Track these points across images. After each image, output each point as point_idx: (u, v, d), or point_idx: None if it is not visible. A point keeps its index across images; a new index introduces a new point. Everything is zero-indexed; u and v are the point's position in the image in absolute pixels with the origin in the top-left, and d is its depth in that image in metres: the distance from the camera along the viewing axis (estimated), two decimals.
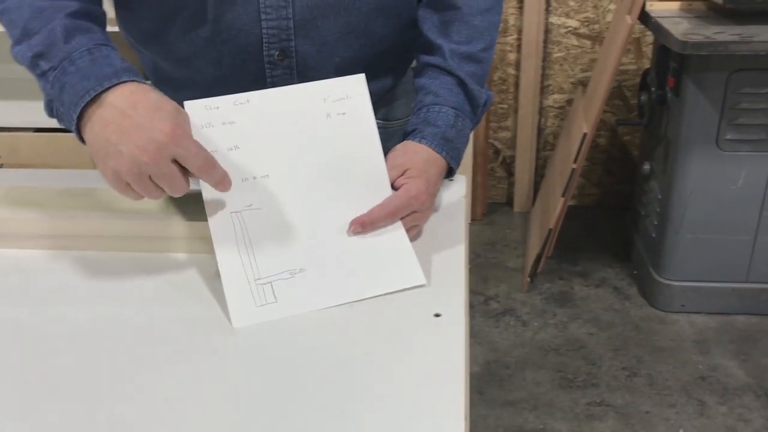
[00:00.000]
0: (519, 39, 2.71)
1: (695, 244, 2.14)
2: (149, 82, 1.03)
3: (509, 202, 2.99)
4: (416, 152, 0.89)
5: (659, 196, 2.20)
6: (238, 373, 0.66)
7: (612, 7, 2.64)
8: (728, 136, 2.01)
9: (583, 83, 2.74)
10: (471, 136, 0.98)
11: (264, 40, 0.90)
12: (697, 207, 2.09)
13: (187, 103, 0.80)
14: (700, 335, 2.14)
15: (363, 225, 0.80)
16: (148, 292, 0.78)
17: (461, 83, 0.93)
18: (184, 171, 0.74)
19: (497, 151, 2.93)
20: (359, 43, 0.94)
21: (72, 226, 0.85)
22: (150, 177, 0.73)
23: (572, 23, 2.69)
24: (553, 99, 2.82)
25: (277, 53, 0.91)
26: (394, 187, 0.84)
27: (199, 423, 0.60)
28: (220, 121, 0.80)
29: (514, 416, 1.86)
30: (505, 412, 1.88)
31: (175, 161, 0.73)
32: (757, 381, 1.95)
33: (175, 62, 0.96)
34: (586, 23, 2.69)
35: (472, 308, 2.28)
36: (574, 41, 2.72)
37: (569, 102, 2.79)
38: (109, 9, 0.89)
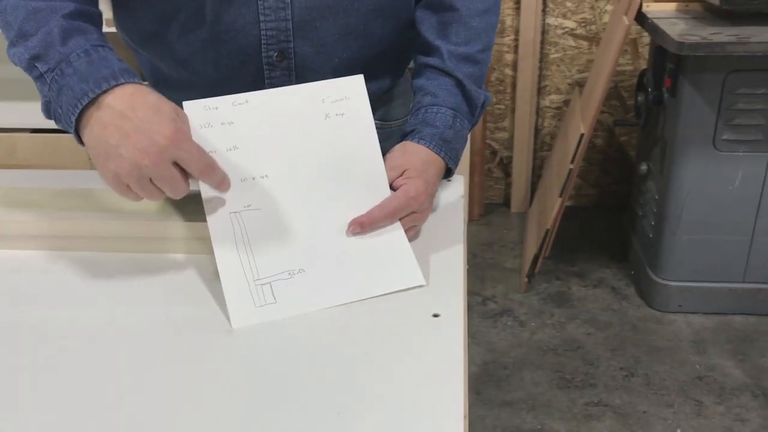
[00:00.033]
0: (516, 40, 2.72)
1: (692, 245, 2.14)
2: (147, 83, 1.03)
3: (506, 203, 2.99)
4: (415, 153, 0.89)
5: (656, 197, 2.21)
6: (238, 373, 0.66)
7: (609, 8, 2.64)
8: (725, 137, 2.01)
9: (580, 84, 2.74)
10: (468, 136, 0.98)
11: (263, 41, 0.90)
12: (694, 207, 2.10)
13: (186, 104, 0.79)
14: (698, 335, 2.14)
15: (362, 225, 0.80)
16: (147, 292, 0.78)
17: (459, 84, 0.93)
18: (184, 173, 0.74)
19: (494, 152, 2.93)
20: (358, 44, 0.95)
21: (70, 226, 0.85)
22: (150, 179, 0.73)
23: (569, 24, 2.70)
24: (550, 100, 2.82)
25: (275, 54, 0.91)
26: (392, 188, 0.85)
27: (198, 423, 0.60)
28: (219, 121, 0.80)
29: (512, 416, 1.86)
30: (502, 413, 1.88)
31: (176, 164, 0.73)
32: (754, 381, 1.96)
33: (173, 63, 0.96)
34: (583, 24, 2.69)
35: (470, 309, 2.28)
36: (571, 42, 2.72)
37: (566, 102, 2.80)
38: (105, 10, 0.89)
